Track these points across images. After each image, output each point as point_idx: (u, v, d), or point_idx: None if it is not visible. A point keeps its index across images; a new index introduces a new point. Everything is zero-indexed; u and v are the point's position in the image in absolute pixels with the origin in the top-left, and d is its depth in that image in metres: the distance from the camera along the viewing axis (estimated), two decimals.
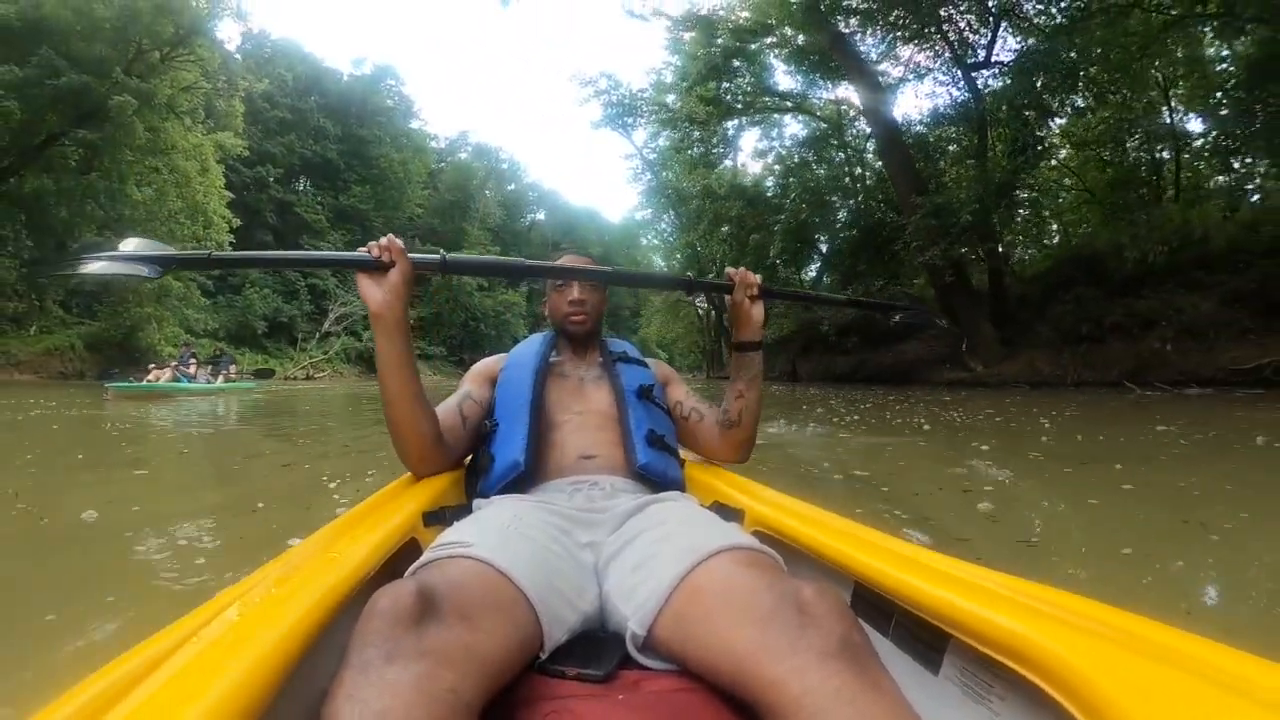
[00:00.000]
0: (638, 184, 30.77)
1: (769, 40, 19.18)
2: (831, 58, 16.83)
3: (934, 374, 14.59)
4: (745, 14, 19.23)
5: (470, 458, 1.30)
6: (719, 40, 19.22)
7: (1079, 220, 15.54)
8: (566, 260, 1.39)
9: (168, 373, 12.65)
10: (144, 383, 11.75)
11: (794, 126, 23.82)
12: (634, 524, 1.00)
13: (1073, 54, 11.45)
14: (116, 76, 14.16)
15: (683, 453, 1.37)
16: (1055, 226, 16.63)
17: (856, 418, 7.29)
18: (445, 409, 1.25)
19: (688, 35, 20.19)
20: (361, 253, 1.08)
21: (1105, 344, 11.36)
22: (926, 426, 6.10)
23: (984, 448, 4.43)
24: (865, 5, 15.44)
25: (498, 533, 0.87)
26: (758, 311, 1.31)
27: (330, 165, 41.79)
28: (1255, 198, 13.39)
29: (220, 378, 13.80)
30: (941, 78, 15.47)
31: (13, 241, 18.42)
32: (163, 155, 15.91)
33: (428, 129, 53.24)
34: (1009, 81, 12.84)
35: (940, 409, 7.88)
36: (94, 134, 14.34)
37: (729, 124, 23.03)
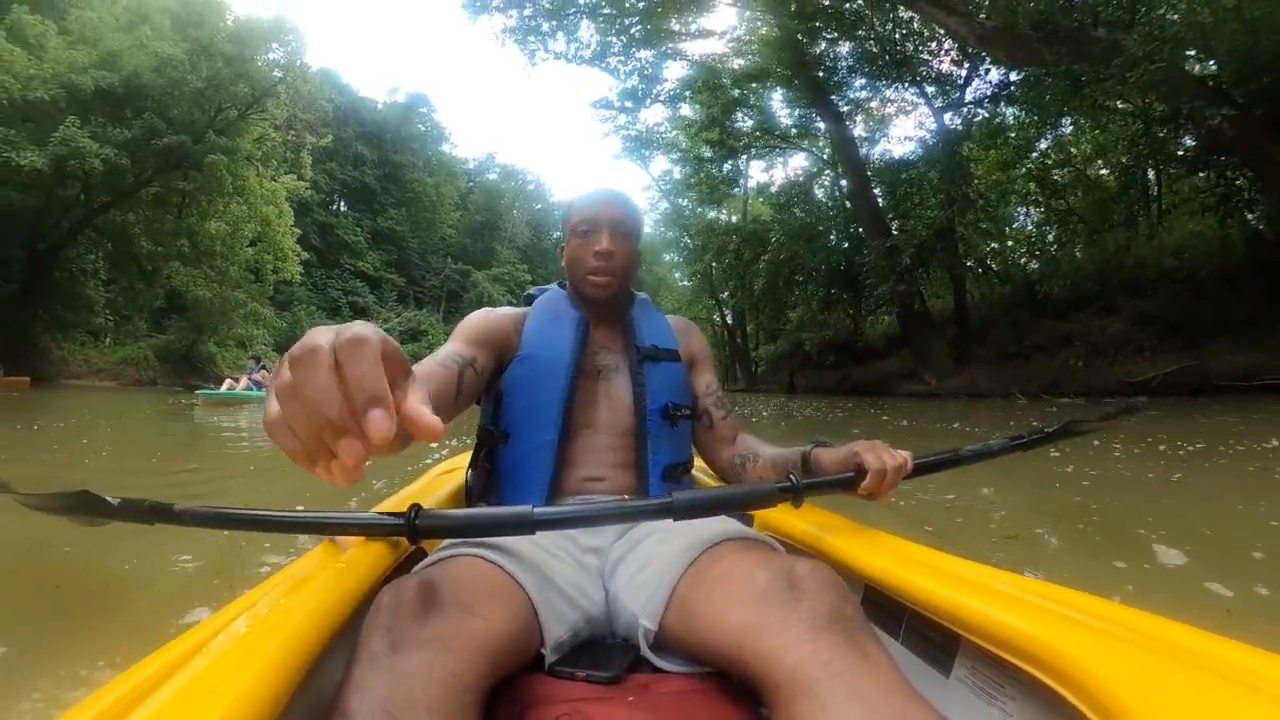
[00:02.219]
0: (654, 212, 33.31)
1: (768, 82, 21.67)
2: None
3: (900, 386, 16.78)
4: (743, 61, 21.70)
5: (471, 462, 1.17)
6: (723, 84, 21.75)
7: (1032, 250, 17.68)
8: (596, 198, 1.16)
9: (243, 381, 15.40)
10: (223, 390, 14.46)
11: (798, 158, 26.32)
12: (639, 529, 0.99)
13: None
14: (209, 137, 17.34)
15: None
16: (1022, 253, 18.78)
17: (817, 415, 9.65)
18: (440, 374, 0.99)
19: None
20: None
21: (1030, 360, 13.52)
22: (856, 430, 8.45)
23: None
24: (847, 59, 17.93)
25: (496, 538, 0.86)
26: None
27: (367, 189, 45.32)
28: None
29: (249, 381, 16.37)
30: (913, 128, 17.88)
31: (104, 268, 21.93)
32: (238, 196, 18.99)
33: (457, 152, 56.79)
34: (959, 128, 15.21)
35: (877, 411, 10.15)
36: (191, 184, 17.45)
37: (736, 161, 25.52)
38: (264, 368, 16.78)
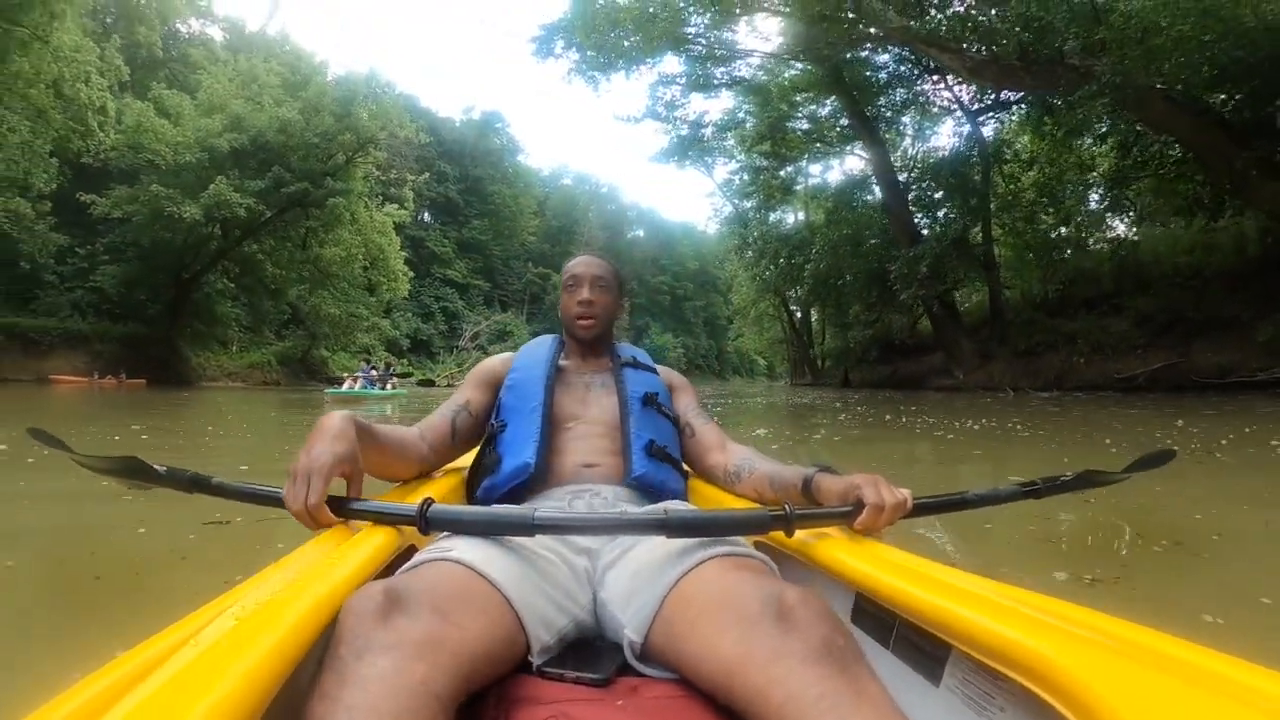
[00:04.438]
0: (717, 217, 35.46)
1: (811, 94, 23.48)
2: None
3: (936, 381, 18.41)
4: (790, 75, 23.57)
5: (474, 460, 1.33)
6: (771, 96, 23.75)
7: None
8: (579, 260, 1.46)
9: (360, 381, 18.89)
10: (345, 389, 17.98)
11: (851, 160, 27.87)
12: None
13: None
14: (327, 182, 21.41)
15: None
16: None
17: (864, 410, 11.86)
18: (437, 422, 1.31)
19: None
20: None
21: (1040, 357, 14.99)
22: (884, 414, 10.64)
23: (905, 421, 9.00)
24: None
25: (481, 538, 0.89)
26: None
27: (451, 203, 49.85)
28: None
29: (389, 385, 19.96)
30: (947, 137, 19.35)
31: (236, 290, 26.86)
32: (351, 226, 23.02)
33: (531, 163, 60.86)
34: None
35: (901, 403, 12.13)
36: (313, 221, 21.57)
37: (789, 167, 27.45)
38: (374, 368, 20.26)
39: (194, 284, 24.63)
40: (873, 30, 13.27)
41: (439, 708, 0.59)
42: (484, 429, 1.34)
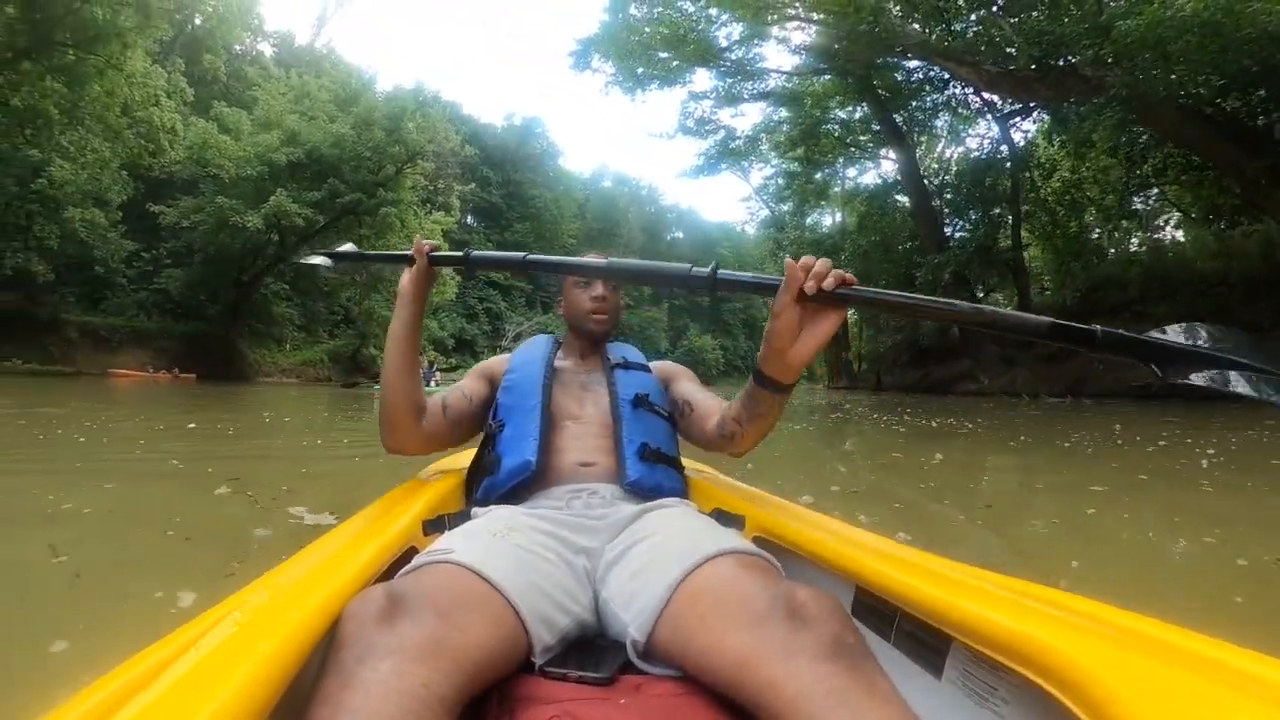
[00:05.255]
0: (754, 220, 36.07)
1: (841, 99, 24.01)
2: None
3: (962, 385, 18.77)
4: (821, 82, 24.16)
5: (473, 461, 1.35)
6: (805, 108, 24.37)
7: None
8: (588, 257, 1.38)
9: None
10: None
11: (887, 164, 28.24)
12: (632, 531, 1.03)
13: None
14: (380, 192, 23.05)
15: (685, 459, 1.37)
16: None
17: (889, 416, 12.59)
18: (433, 399, 1.32)
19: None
20: (407, 253, 1.30)
21: (1060, 363, 15.30)
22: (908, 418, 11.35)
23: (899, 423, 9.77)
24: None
25: (482, 540, 0.91)
26: (817, 333, 0.96)
27: (494, 207, 51.48)
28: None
29: (432, 381, 20.22)
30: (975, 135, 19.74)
31: (291, 292, 28.90)
32: (402, 232, 24.58)
33: (570, 166, 62.27)
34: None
35: (912, 407, 12.79)
36: (366, 229, 23.17)
37: (824, 171, 28.00)
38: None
39: (252, 286, 26.66)
40: (895, 46, 13.85)
41: (442, 710, 0.59)
42: (476, 418, 1.37)
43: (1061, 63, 12.58)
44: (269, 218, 21.70)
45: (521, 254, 1.22)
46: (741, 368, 69.73)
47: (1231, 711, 0.49)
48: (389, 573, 0.87)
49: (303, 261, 1.76)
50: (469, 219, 51.41)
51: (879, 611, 0.89)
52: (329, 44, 42.67)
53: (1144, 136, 13.07)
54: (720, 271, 1.00)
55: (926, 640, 0.81)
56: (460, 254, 1.28)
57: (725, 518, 1.18)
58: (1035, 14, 12.24)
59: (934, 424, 8.46)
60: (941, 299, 0.95)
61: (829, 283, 0.92)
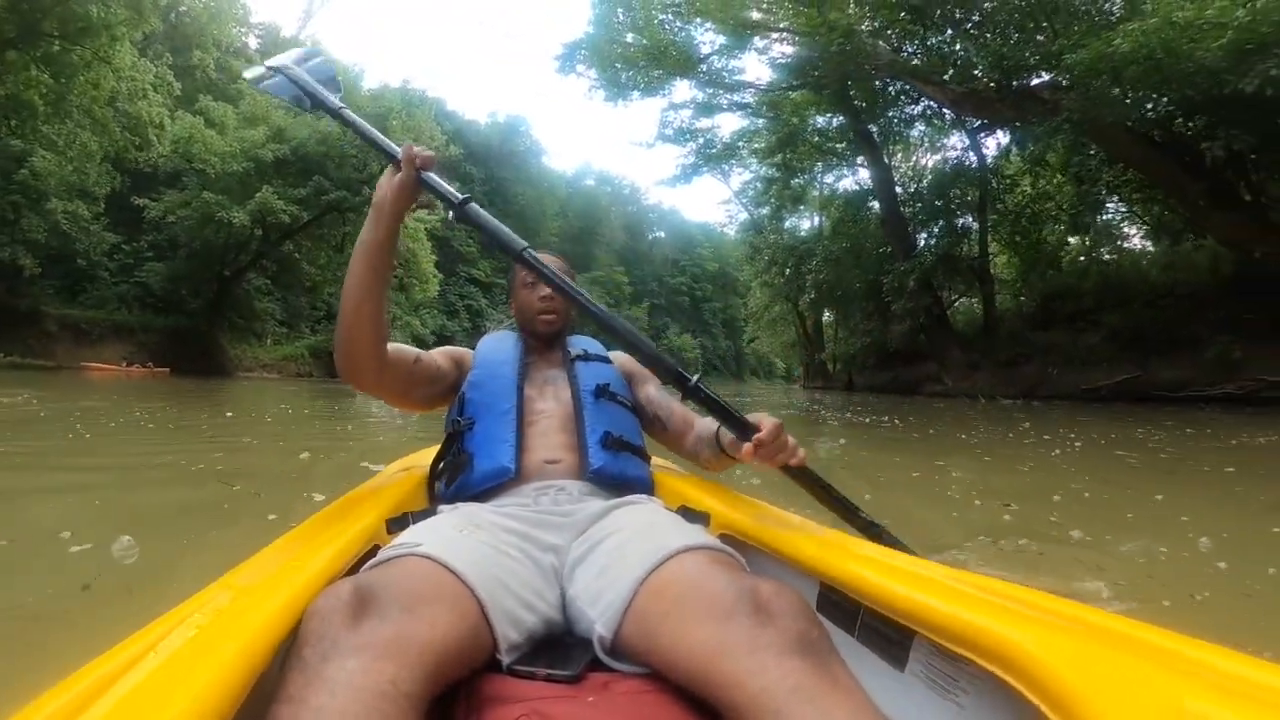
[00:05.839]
0: (733, 224, 36.77)
1: (817, 109, 24.76)
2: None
3: (929, 387, 19.63)
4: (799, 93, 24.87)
5: (438, 458, 1.32)
6: (784, 116, 25.07)
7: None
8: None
9: None
10: None
11: (863, 171, 29.06)
12: (598, 529, 1.04)
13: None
14: (365, 191, 23.31)
15: (653, 456, 1.39)
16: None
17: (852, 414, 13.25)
18: (403, 346, 1.28)
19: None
20: (396, 147, 1.13)
21: (1018, 367, 16.17)
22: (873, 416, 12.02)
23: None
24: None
25: (448, 534, 0.91)
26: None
27: (477, 204, 51.79)
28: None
29: None
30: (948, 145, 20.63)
31: (273, 287, 29.04)
32: None
33: (554, 164, 62.63)
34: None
35: (875, 407, 13.49)
36: (350, 227, 23.52)
37: (804, 176, 28.75)
38: None
39: (235, 280, 26.91)
40: (864, 65, 14.57)
41: (409, 706, 0.59)
42: (435, 393, 1.35)
43: (1018, 84, 13.36)
44: (255, 214, 21.97)
45: (523, 244, 1.18)
46: (720, 368, 70.59)
47: (1184, 698, 0.50)
48: (353, 571, 0.87)
49: (247, 75, 1.50)
50: (452, 215, 51.56)
51: (843, 607, 0.91)
52: (314, 37, 42.75)
53: (1095, 157, 13.92)
54: (701, 385, 1.13)
55: (889, 634, 0.83)
56: (455, 195, 1.15)
57: (691, 514, 1.17)
58: (994, 38, 13.00)
59: (866, 420, 9.07)
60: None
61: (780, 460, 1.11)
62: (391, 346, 1.22)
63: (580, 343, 1.51)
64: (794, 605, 0.69)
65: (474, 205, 1.16)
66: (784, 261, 27.03)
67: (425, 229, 26.98)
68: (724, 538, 1.10)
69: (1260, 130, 9.98)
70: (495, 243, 1.21)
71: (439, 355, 1.40)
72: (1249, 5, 9.08)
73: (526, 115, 65.22)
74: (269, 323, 30.69)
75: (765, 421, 1.09)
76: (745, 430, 1.09)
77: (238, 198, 22.04)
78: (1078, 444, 6.19)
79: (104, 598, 1.82)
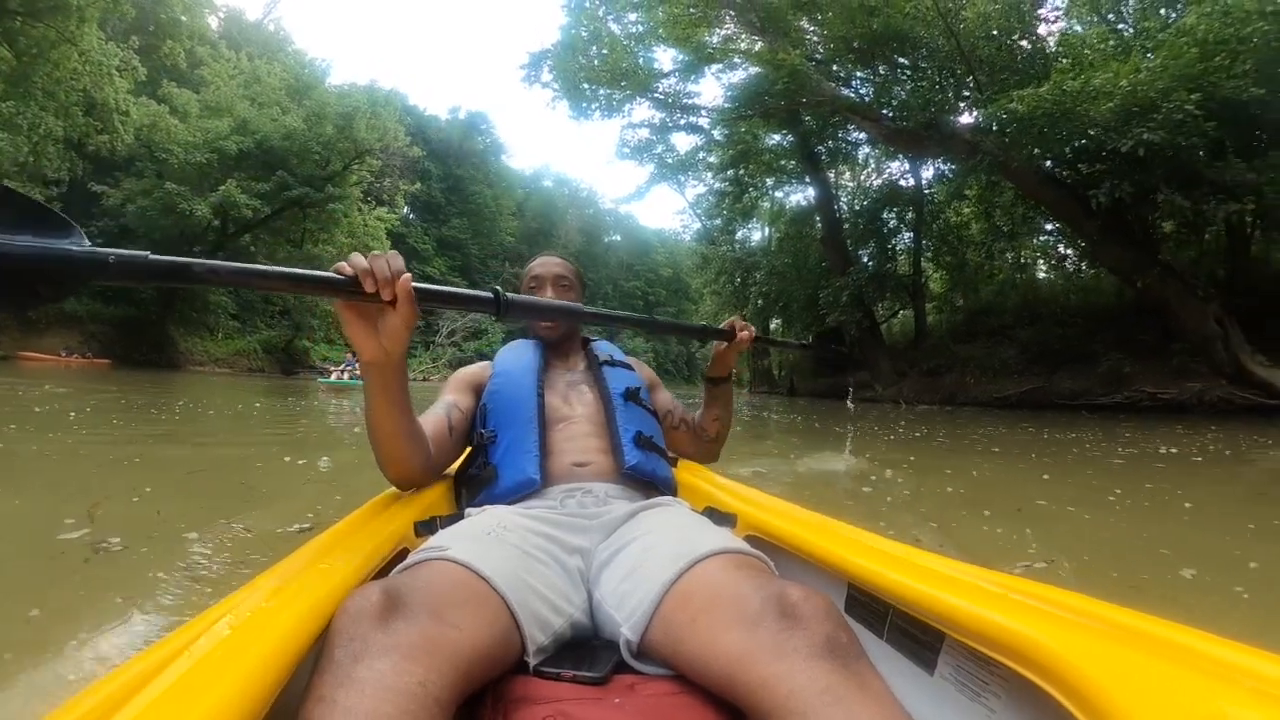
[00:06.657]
0: (688, 231, 38.22)
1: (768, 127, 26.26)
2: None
3: (862, 393, 21.30)
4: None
5: (460, 466, 1.33)
6: (739, 132, 26.46)
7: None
8: (540, 261, 1.56)
9: (347, 372, 20.90)
10: (334, 379, 20.00)
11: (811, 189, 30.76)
12: (625, 531, 1.05)
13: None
14: (328, 188, 23.76)
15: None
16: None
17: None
18: (433, 421, 1.26)
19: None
20: (344, 274, 0.90)
21: (940, 376, 17.90)
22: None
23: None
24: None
25: (476, 537, 0.92)
26: (735, 354, 1.53)
27: (434, 202, 51.85)
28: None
29: (347, 375, 20.02)
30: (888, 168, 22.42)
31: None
32: (346, 227, 25.27)
33: (514, 164, 63.13)
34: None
35: (820, 411, 14.82)
36: (313, 223, 23.92)
37: (754, 191, 30.23)
38: (357, 360, 22.52)
39: None
40: (804, 100, 15.98)
41: (438, 710, 0.60)
42: (471, 430, 1.34)
43: (944, 126, 14.96)
44: (217, 206, 22.18)
45: (577, 305, 1.32)
46: (672, 371, 71.73)
47: (1221, 704, 0.49)
48: (382, 573, 0.89)
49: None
50: (409, 213, 51.60)
51: (871, 609, 0.90)
52: (278, 21, 42.33)
53: (1009, 191, 15.68)
54: (709, 327, 1.49)
55: (919, 637, 0.82)
56: (488, 296, 1.04)
57: (718, 516, 1.19)
58: (924, 84, 14.59)
59: (797, 416, 10.39)
60: (666, 320, 1.47)
61: (745, 335, 1.50)
62: (428, 425, 1.21)
63: (604, 348, 1.58)
64: (822, 609, 0.69)
65: (510, 296, 1.07)
66: (732, 272, 28.58)
67: (385, 229, 27.49)
68: (751, 539, 1.13)
69: (1137, 183, 11.67)
70: (555, 317, 1.40)
71: (454, 395, 1.38)
72: (1131, 78, 10.72)
73: (488, 111, 65.32)
74: (221, 316, 30.64)
75: (735, 321, 1.49)
76: (732, 331, 1.48)
77: (199, 188, 22.21)
78: (978, 446, 7.46)
79: None
